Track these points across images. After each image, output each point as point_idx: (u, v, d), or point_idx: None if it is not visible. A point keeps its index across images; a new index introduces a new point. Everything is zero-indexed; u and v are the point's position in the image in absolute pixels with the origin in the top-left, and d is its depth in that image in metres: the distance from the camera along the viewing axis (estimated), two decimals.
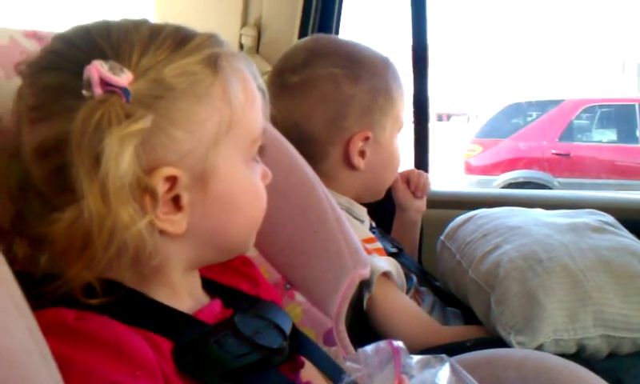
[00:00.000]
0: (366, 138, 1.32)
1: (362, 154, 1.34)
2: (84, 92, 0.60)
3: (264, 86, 0.76)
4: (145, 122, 0.61)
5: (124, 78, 0.61)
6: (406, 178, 1.62)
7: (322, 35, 1.55)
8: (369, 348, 0.67)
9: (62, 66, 0.65)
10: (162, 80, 0.64)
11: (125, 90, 0.60)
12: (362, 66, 1.33)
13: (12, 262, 0.68)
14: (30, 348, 0.48)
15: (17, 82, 0.76)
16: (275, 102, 1.32)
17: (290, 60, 1.36)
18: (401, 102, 1.39)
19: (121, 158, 0.59)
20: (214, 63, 0.68)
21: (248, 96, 0.72)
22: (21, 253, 0.73)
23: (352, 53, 1.35)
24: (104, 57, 0.62)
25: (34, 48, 0.81)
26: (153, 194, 0.63)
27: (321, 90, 1.30)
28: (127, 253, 0.62)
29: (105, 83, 0.60)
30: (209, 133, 0.67)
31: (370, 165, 1.35)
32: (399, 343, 0.68)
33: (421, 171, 1.65)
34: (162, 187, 0.64)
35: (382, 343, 0.68)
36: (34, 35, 0.84)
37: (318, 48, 1.36)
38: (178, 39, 0.67)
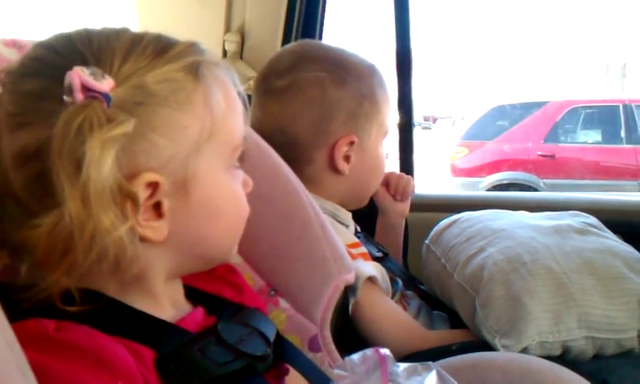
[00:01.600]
0: (351, 143, 1.33)
1: (347, 158, 1.34)
2: (65, 97, 0.60)
3: (244, 94, 0.76)
4: (126, 127, 0.61)
5: (105, 84, 0.61)
6: (386, 181, 1.61)
7: (308, 40, 1.56)
8: (355, 356, 0.67)
9: (42, 72, 0.65)
10: (143, 86, 0.64)
11: (106, 96, 0.60)
12: (348, 71, 1.33)
13: None
14: (7, 360, 0.47)
15: None
16: (261, 106, 1.34)
17: (277, 64, 1.36)
18: (386, 108, 1.39)
19: (102, 162, 0.59)
20: (195, 71, 0.68)
21: (229, 103, 0.72)
22: (1, 264, 0.72)
23: (338, 58, 1.35)
24: (85, 63, 0.62)
25: (14, 57, 0.80)
26: (134, 200, 0.63)
27: (307, 93, 1.30)
28: (108, 259, 0.62)
29: (86, 89, 0.60)
30: (190, 140, 0.67)
31: (355, 170, 1.35)
32: (386, 351, 0.68)
33: (401, 174, 1.65)
34: (143, 193, 0.64)
35: (369, 351, 0.68)
36: (14, 44, 0.84)
37: (304, 52, 1.37)
38: (160, 47, 0.67)
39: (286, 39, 1.91)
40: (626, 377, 1.14)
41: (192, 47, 0.70)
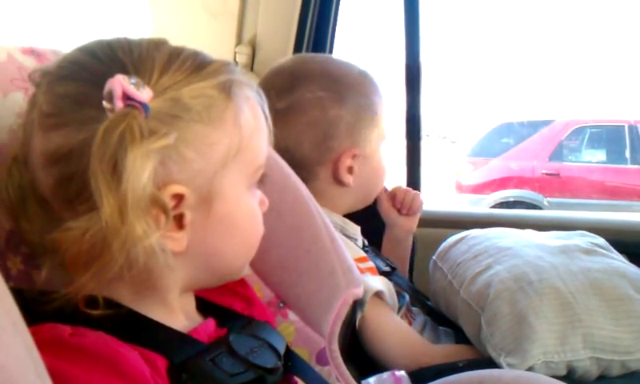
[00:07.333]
0: (354, 155, 1.35)
1: (350, 170, 1.36)
2: (104, 103, 0.60)
3: (268, 114, 0.77)
4: (169, 139, 0.62)
5: (145, 94, 0.61)
6: (393, 195, 1.62)
7: (301, 55, 1.57)
8: (372, 379, 0.68)
9: (82, 76, 0.66)
10: (179, 100, 0.65)
11: (145, 106, 0.61)
12: (345, 86, 1.35)
13: (5, 279, 0.68)
14: (26, 365, 0.48)
15: (14, 98, 0.76)
16: None
17: (276, 83, 1.35)
18: (383, 112, 1.41)
19: (142, 172, 0.59)
20: (228, 89, 0.69)
21: (256, 124, 0.73)
22: (15, 270, 0.73)
23: (334, 72, 1.36)
24: (125, 71, 0.63)
25: (31, 64, 0.81)
26: (165, 210, 0.63)
27: (308, 115, 1.32)
28: (137, 266, 0.62)
29: (126, 97, 0.60)
30: (218, 156, 0.68)
31: (359, 179, 1.37)
32: (402, 373, 0.68)
33: (408, 189, 1.64)
34: (169, 204, 0.64)
35: (385, 374, 0.68)
36: (32, 52, 0.84)
37: (299, 71, 1.37)
38: (197, 62, 0.68)
39: (297, 52, 1.92)
40: None
41: (226, 66, 0.71)
